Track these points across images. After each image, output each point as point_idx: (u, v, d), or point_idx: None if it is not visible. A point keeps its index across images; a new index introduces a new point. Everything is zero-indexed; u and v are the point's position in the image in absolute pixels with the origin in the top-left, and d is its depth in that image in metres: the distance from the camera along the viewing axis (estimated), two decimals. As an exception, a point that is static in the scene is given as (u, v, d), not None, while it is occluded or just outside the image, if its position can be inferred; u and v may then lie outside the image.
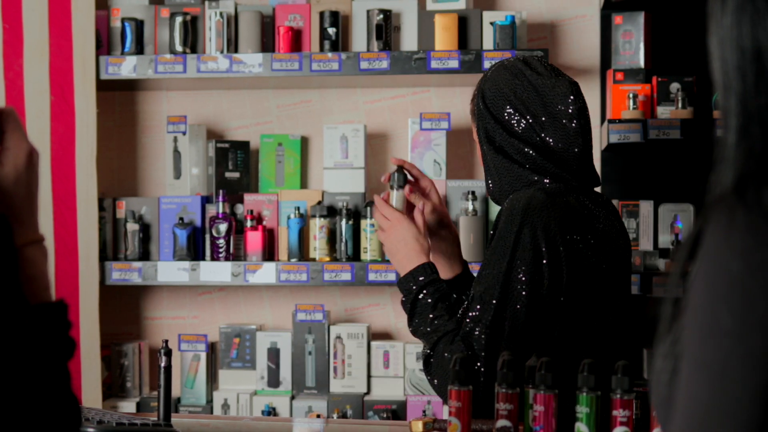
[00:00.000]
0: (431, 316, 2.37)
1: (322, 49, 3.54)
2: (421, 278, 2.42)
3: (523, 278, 2.25)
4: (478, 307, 2.27)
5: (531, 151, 2.37)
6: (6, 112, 1.39)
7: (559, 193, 2.34)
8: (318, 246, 3.52)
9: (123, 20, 3.61)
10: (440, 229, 2.59)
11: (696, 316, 1.10)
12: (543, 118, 2.38)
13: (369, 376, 3.60)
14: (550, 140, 2.37)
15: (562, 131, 2.37)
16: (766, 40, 1.15)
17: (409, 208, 2.56)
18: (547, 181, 2.36)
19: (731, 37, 1.17)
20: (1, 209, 1.37)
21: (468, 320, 2.28)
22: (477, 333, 2.24)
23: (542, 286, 2.25)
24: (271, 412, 3.55)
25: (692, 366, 1.10)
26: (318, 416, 3.48)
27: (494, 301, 2.25)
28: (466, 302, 2.39)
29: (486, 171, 2.44)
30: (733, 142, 1.16)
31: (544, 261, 2.25)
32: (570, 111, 2.37)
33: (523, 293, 2.25)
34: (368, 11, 3.53)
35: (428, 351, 2.34)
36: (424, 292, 2.40)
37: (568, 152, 2.37)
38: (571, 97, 2.38)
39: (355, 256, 3.52)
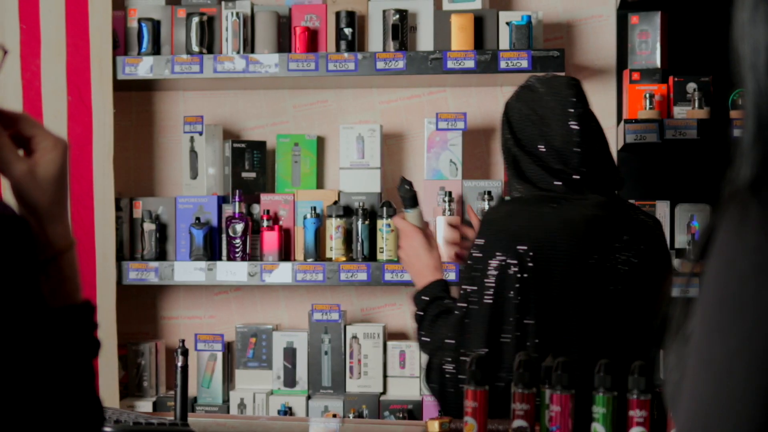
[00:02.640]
0: (423, 331, 2.53)
1: (338, 49, 3.54)
2: (428, 297, 2.56)
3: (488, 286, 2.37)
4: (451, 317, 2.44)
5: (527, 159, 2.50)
6: (23, 117, 1.40)
7: (533, 200, 2.44)
8: (334, 246, 3.52)
9: (140, 20, 3.62)
10: None
11: (704, 313, 1.10)
12: (544, 123, 2.46)
13: (385, 376, 3.60)
14: (551, 143, 2.45)
15: (561, 131, 2.44)
16: None
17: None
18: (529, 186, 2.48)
19: (746, 34, 1.15)
20: (38, 207, 1.38)
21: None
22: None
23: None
24: (287, 411, 3.55)
25: (698, 363, 1.09)
26: (334, 416, 3.48)
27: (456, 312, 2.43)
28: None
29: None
30: (749, 140, 1.15)
31: (501, 271, 2.36)
32: (569, 111, 2.45)
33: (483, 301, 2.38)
34: (384, 11, 3.53)
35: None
36: (428, 311, 2.54)
37: (570, 153, 2.44)
38: (573, 98, 2.46)
39: (371, 256, 3.52)
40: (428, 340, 2.51)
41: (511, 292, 2.33)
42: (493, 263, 2.35)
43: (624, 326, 2.39)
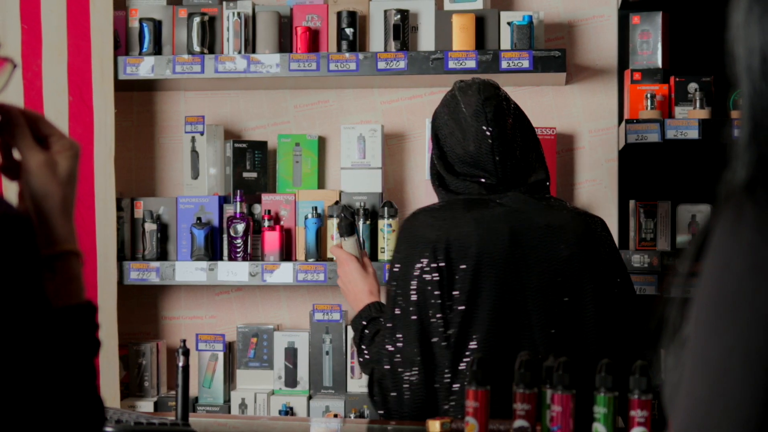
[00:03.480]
0: (365, 348, 2.62)
1: (339, 49, 3.54)
2: (365, 320, 2.66)
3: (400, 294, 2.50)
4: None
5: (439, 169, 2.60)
6: (42, 118, 1.43)
7: (447, 206, 2.52)
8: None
9: (141, 21, 3.63)
10: None
11: (700, 314, 1.10)
12: (461, 130, 2.56)
13: (386, 376, 3.59)
14: (467, 149, 2.54)
15: (475, 137, 2.52)
16: None
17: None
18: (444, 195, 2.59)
19: (741, 36, 1.16)
20: (50, 198, 1.40)
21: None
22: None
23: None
24: (288, 411, 3.55)
25: (695, 363, 1.09)
26: (335, 416, 3.48)
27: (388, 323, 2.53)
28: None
29: None
30: (744, 141, 1.16)
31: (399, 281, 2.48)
32: (481, 116, 2.52)
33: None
34: (385, 11, 3.53)
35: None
36: (366, 331, 2.64)
37: (485, 157, 2.53)
38: (483, 103, 2.53)
39: (372, 256, 3.52)
40: (369, 357, 2.61)
41: (433, 297, 2.42)
42: (413, 272, 2.45)
43: (548, 320, 2.43)
